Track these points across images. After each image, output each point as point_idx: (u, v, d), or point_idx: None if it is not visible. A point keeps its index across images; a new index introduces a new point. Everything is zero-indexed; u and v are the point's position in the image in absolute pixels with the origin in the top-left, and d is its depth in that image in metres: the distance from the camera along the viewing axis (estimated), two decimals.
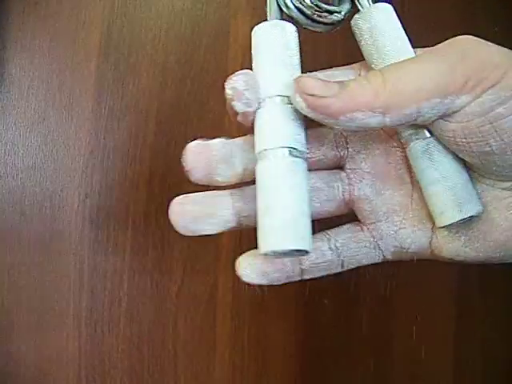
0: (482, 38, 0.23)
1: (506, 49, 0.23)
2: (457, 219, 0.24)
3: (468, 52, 0.22)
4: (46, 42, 0.37)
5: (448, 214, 0.24)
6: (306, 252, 0.23)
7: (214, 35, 0.39)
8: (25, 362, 0.35)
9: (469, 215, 0.24)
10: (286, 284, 0.26)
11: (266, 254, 0.23)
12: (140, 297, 0.37)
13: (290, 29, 0.25)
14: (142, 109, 0.37)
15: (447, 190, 0.24)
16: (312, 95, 0.22)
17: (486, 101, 0.22)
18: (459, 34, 0.23)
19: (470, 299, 0.40)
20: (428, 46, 0.24)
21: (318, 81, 0.22)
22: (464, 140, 0.23)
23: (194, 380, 0.37)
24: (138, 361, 0.36)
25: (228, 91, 0.24)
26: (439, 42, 0.23)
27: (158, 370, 0.37)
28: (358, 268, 0.27)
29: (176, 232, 0.26)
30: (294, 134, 0.24)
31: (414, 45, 0.25)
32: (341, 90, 0.22)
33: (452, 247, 0.26)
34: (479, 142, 0.23)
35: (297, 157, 0.23)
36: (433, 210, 0.25)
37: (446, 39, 0.23)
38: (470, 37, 0.23)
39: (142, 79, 0.38)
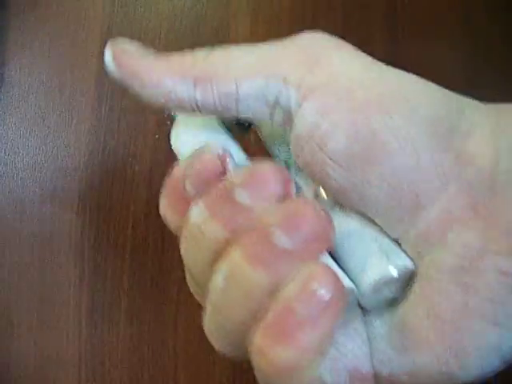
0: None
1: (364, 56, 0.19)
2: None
3: (305, 45, 0.19)
4: (45, 42, 0.37)
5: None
6: None
7: (214, 35, 0.39)
8: (25, 362, 0.35)
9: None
10: None
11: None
12: (140, 297, 0.37)
13: None
14: (142, 109, 0.37)
15: None
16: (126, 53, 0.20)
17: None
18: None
19: None
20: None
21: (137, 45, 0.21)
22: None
23: (194, 380, 0.37)
24: (137, 361, 0.36)
25: None
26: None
27: (158, 370, 0.37)
28: None
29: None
30: None
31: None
32: (158, 55, 0.20)
33: None
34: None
35: None
36: None
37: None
38: (319, 34, 0.20)
39: None
